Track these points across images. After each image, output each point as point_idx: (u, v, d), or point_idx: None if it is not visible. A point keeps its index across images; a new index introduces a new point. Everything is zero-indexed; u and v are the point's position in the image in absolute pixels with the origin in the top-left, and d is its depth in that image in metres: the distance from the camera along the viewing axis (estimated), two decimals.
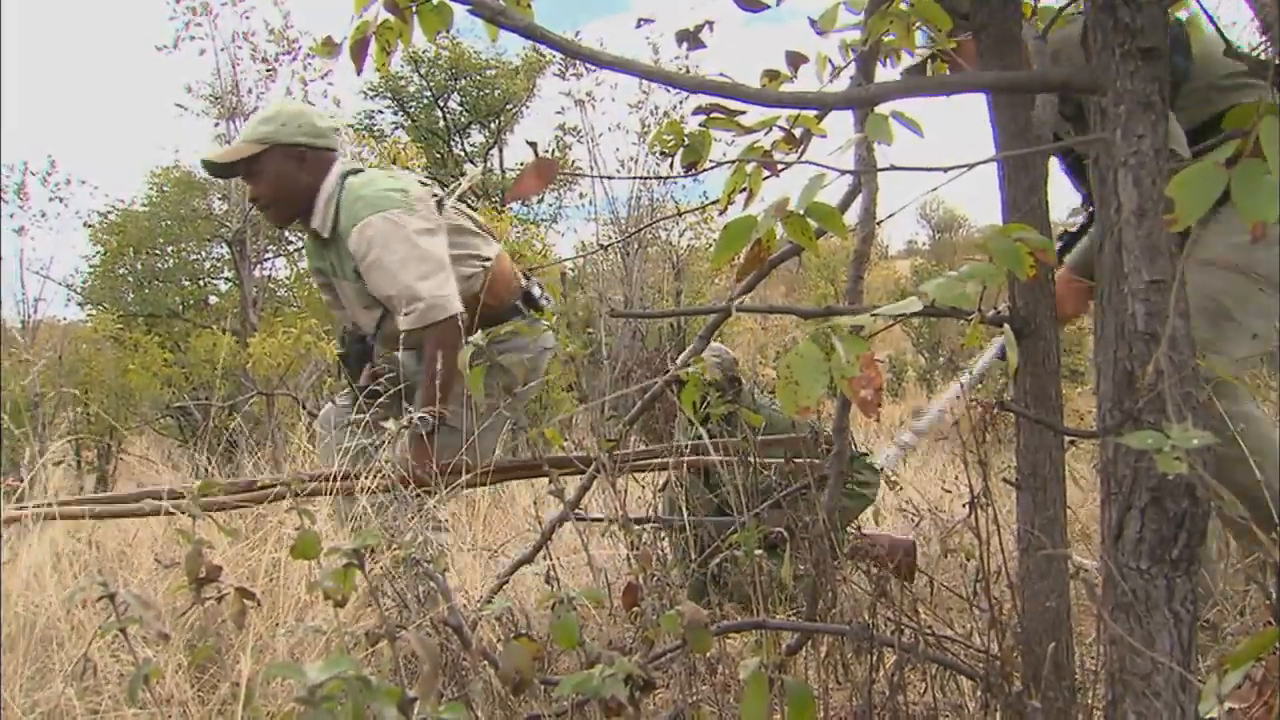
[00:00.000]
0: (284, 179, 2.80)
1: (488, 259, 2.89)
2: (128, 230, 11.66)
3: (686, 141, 1.54)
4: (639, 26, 2.56)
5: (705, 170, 1.55)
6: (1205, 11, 1.66)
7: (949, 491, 2.44)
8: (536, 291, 2.96)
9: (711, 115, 1.51)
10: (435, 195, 2.88)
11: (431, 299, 2.61)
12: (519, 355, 2.86)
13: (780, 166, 1.44)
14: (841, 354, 0.92)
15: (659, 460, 2.54)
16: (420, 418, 2.30)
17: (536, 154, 1.24)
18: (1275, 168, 0.80)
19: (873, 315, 0.95)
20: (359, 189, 2.74)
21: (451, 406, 2.65)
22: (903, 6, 1.54)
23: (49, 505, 2.40)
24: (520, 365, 2.81)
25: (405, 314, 2.64)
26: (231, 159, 2.84)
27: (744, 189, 1.37)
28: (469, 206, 3.15)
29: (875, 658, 1.49)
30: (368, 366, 2.85)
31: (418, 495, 2.39)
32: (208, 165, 2.92)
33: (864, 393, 0.93)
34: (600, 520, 2.50)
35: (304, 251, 3.10)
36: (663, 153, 1.55)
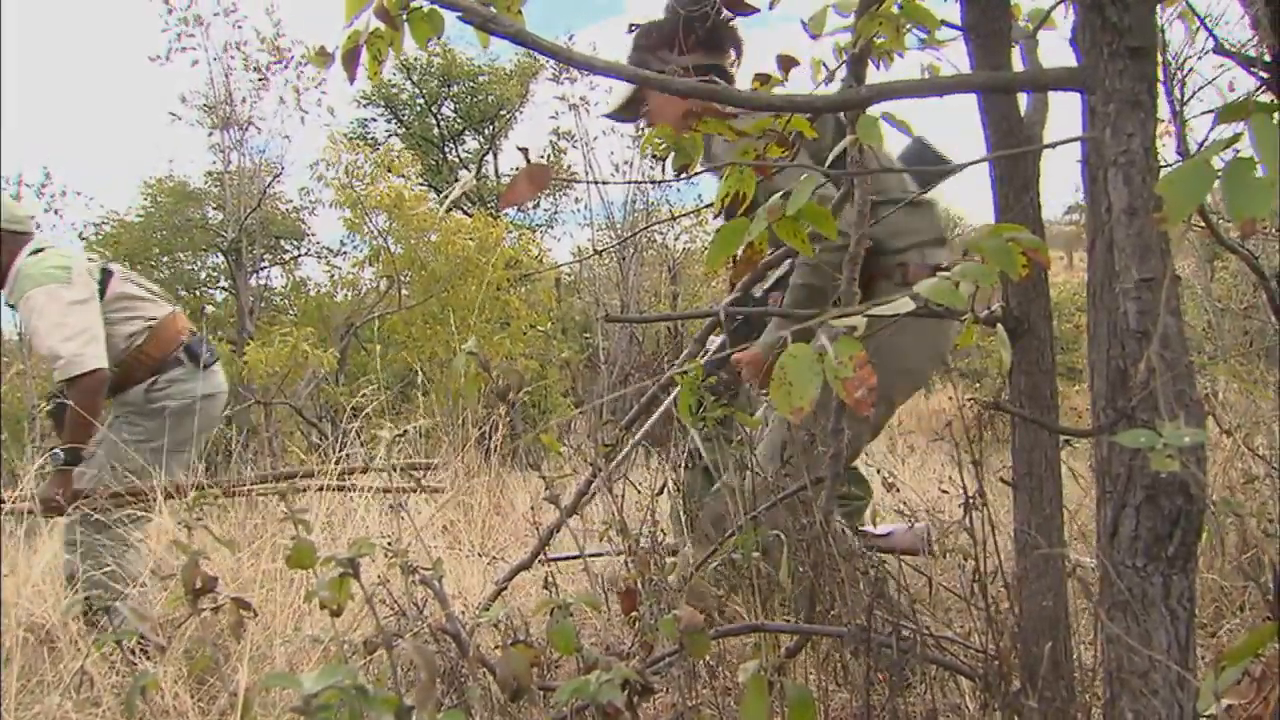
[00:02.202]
0: None
1: (153, 318, 3.42)
2: (123, 241, 11.66)
3: (677, 145, 1.54)
4: (630, 31, 2.56)
5: (697, 174, 1.56)
6: (1194, 12, 1.67)
7: (946, 492, 2.44)
8: (200, 348, 3.47)
9: (703, 120, 1.51)
10: (95, 269, 3.38)
11: (70, 357, 3.09)
12: (180, 401, 3.36)
13: (773, 170, 1.45)
14: (833, 355, 0.92)
15: None
16: (54, 452, 3.09)
17: (528, 160, 1.24)
18: (1270, 164, 0.80)
19: (865, 315, 0.95)
20: (28, 267, 3.24)
21: (91, 444, 3.17)
22: (894, 9, 1.55)
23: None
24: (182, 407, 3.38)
25: (54, 369, 3.17)
26: None
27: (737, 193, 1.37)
28: (464, 212, 3.27)
29: (875, 659, 1.49)
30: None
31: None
32: None
33: (858, 393, 0.93)
34: (570, 558, 2.56)
35: None
36: (655, 156, 1.55)
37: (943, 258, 2.29)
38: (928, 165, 2.36)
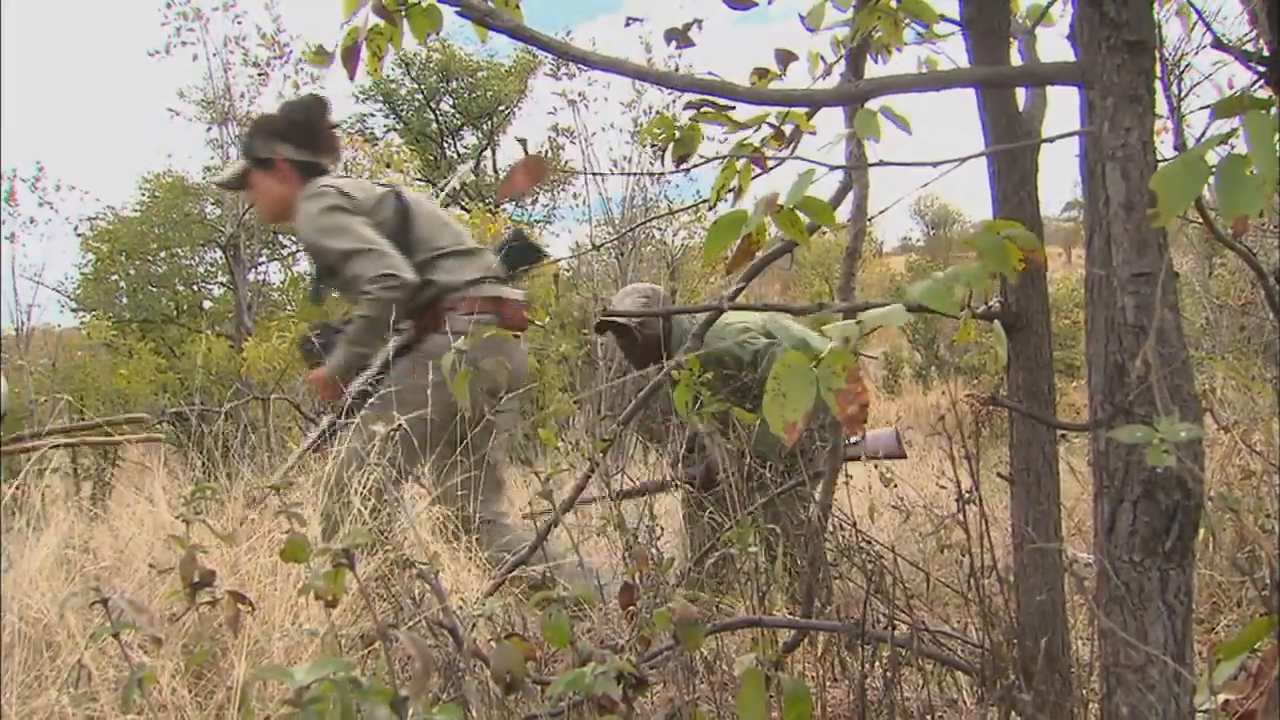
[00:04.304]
0: None
1: None
2: (120, 236, 11.63)
3: (677, 135, 1.54)
4: (628, 25, 2.57)
5: (696, 165, 1.56)
6: (1193, 6, 1.66)
7: (944, 488, 2.45)
8: None
9: (702, 110, 1.51)
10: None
11: None
12: None
13: (771, 163, 1.45)
14: (826, 367, 0.91)
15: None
16: None
17: (526, 151, 1.24)
18: (1263, 161, 0.80)
19: (858, 321, 0.94)
20: None
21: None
22: (892, 4, 1.55)
23: None
24: None
25: None
26: None
27: (733, 188, 1.37)
28: (462, 207, 3.30)
29: (871, 653, 1.49)
30: None
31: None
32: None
33: (849, 409, 0.92)
34: (639, 493, 2.64)
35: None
36: (654, 146, 1.55)
37: (497, 291, 2.89)
38: (524, 254, 3.07)
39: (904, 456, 2.85)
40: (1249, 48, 1.65)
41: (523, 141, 1.26)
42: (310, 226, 2.79)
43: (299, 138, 2.93)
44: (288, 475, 2.03)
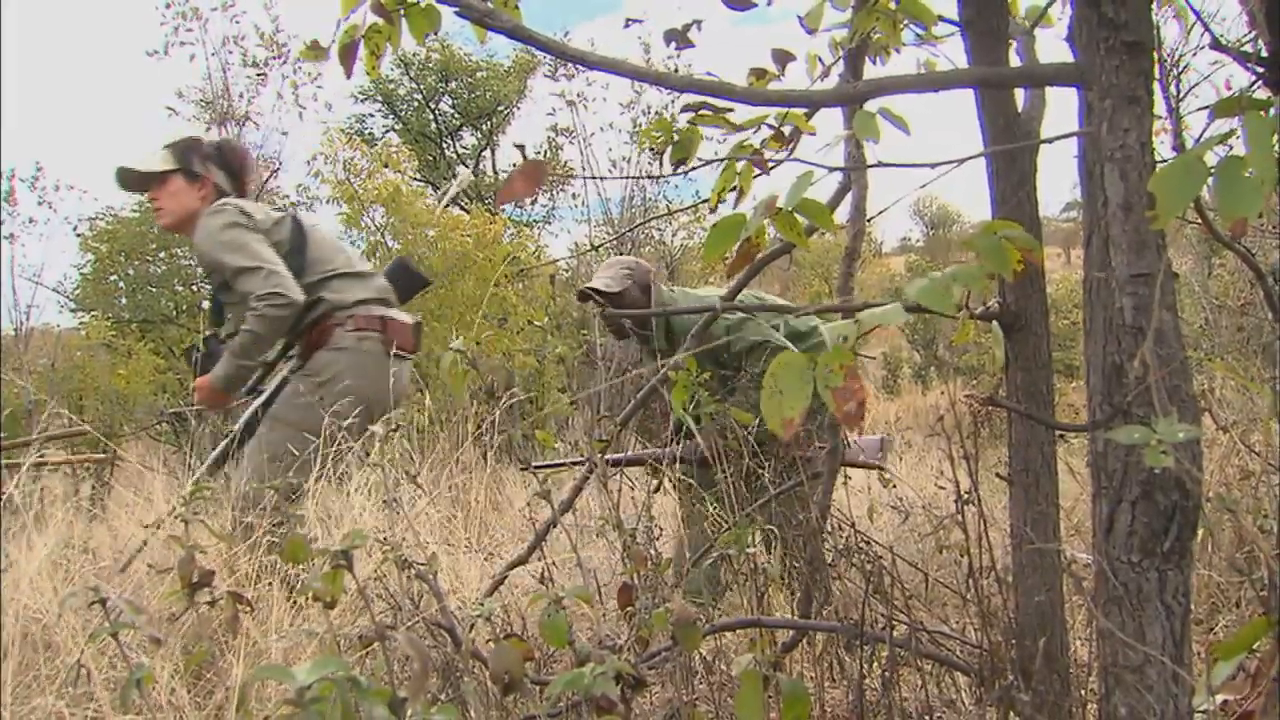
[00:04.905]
0: None
1: None
2: (119, 236, 11.61)
3: (675, 138, 1.54)
4: (627, 26, 2.57)
5: (695, 168, 1.56)
6: (1191, 7, 1.66)
7: (943, 488, 2.45)
8: None
9: (700, 113, 1.51)
10: None
11: None
12: None
13: (770, 164, 1.45)
14: (823, 364, 0.91)
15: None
16: None
17: (524, 156, 1.24)
18: (1261, 162, 0.80)
19: (856, 320, 0.94)
20: None
21: None
22: (890, 4, 1.55)
23: None
24: None
25: None
26: None
27: (734, 188, 1.37)
28: (461, 209, 3.35)
29: (870, 653, 1.49)
30: None
31: None
32: None
33: (847, 406, 0.92)
34: (636, 462, 2.66)
35: None
36: (652, 149, 1.55)
37: (385, 312, 3.02)
38: (409, 279, 3.29)
39: (881, 468, 2.87)
40: (1247, 49, 1.65)
41: (520, 147, 1.26)
42: (210, 241, 2.91)
43: (230, 170, 3.15)
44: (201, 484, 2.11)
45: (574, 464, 3.19)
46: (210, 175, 3.09)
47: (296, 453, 2.70)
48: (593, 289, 3.47)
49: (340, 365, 2.87)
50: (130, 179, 3.17)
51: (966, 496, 1.47)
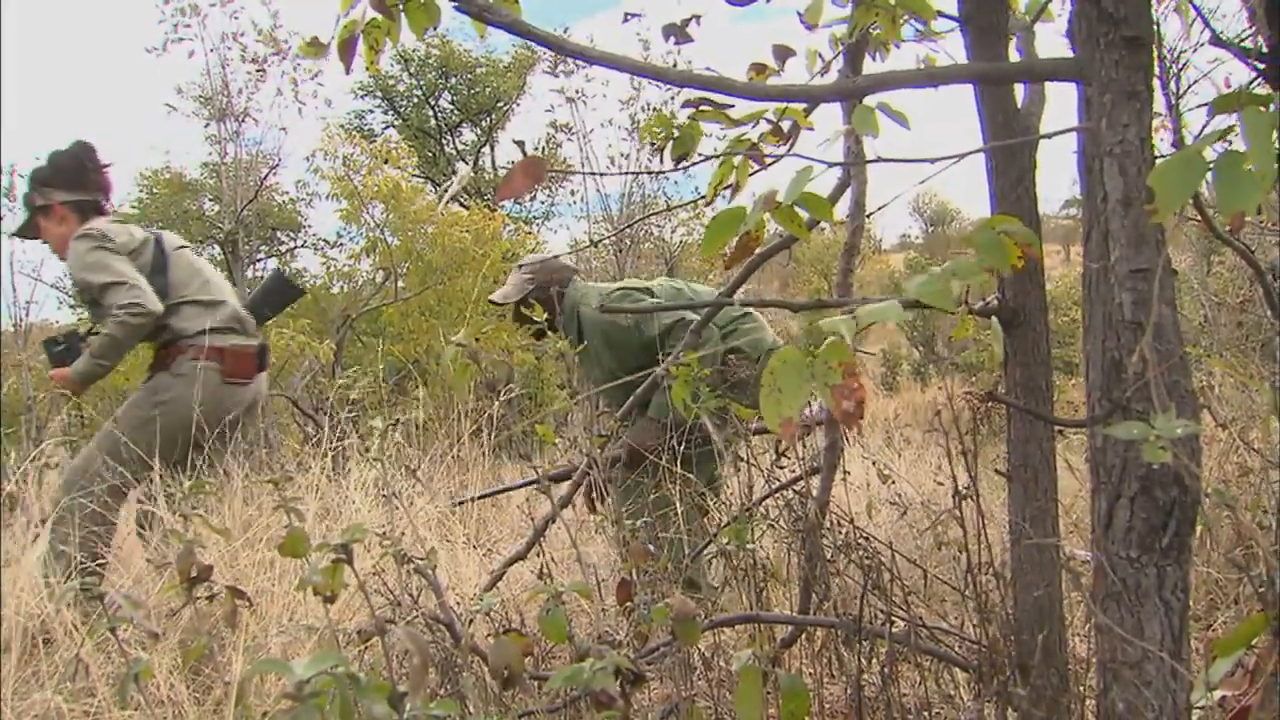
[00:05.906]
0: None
1: None
2: None
3: (676, 134, 1.54)
4: (626, 20, 2.57)
5: (695, 163, 1.55)
6: (1191, 3, 1.66)
7: (941, 484, 2.45)
8: None
9: (700, 108, 1.51)
10: None
11: None
12: None
13: (769, 160, 1.44)
14: (822, 362, 0.91)
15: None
16: None
17: (524, 153, 1.24)
18: (1260, 157, 0.80)
19: (854, 317, 0.94)
20: None
21: None
22: (890, 0, 1.54)
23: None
24: None
25: None
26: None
27: (730, 184, 1.37)
28: (461, 205, 3.37)
29: (868, 649, 1.49)
30: None
31: None
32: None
33: (845, 404, 0.92)
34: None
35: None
36: (653, 145, 1.55)
37: (232, 340, 3.32)
38: (282, 295, 3.65)
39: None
40: (1247, 44, 1.66)
41: (520, 144, 1.26)
42: (78, 264, 3.19)
43: (68, 180, 3.37)
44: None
45: (523, 485, 3.34)
46: (53, 200, 3.34)
47: (111, 462, 2.99)
48: (490, 300, 3.62)
49: (177, 390, 3.19)
50: (23, 239, 3.55)
51: (965, 492, 1.47)
